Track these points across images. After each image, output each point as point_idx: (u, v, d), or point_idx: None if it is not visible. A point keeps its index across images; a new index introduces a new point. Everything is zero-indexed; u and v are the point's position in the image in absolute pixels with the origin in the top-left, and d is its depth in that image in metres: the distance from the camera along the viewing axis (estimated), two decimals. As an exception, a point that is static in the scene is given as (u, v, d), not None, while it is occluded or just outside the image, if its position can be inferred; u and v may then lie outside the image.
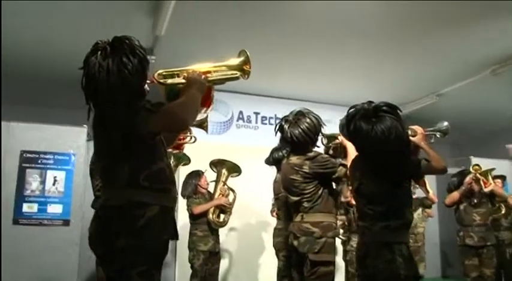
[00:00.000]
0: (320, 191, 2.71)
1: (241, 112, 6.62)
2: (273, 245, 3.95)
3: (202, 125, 2.94)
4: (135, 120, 1.67)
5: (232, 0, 3.91)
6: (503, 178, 4.97)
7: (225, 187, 4.54)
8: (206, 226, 4.36)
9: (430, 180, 6.12)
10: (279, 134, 2.87)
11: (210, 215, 4.32)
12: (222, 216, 4.45)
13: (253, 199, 5.71)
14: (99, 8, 4.05)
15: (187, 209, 4.42)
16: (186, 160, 4.05)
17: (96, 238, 1.71)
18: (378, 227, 2.12)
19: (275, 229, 3.98)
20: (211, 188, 4.59)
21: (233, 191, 4.58)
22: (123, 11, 4.15)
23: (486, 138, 7.67)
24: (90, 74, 1.72)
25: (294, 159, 2.77)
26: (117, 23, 4.28)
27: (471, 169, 4.31)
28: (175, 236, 1.87)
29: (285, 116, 2.83)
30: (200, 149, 5.22)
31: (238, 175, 4.65)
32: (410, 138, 2.40)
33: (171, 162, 3.90)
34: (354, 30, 4.48)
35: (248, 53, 2.13)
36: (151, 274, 1.69)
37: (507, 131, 6.98)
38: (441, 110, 6.36)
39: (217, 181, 4.57)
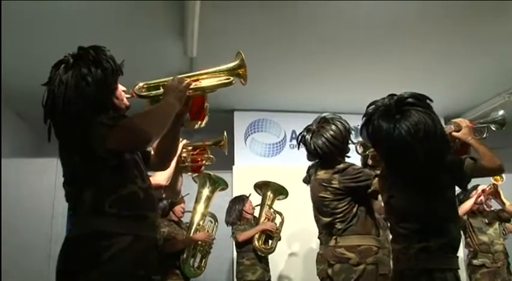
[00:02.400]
0: (355, 210, 2.32)
1: (293, 131, 6.28)
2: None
3: (219, 143, 2.71)
4: (93, 137, 1.45)
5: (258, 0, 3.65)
6: None
7: (271, 210, 4.24)
8: (253, 254, 4.08)
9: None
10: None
11: (256, 242, 4.03)
12: (270, 242, 4.15)
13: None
14: (129, 38, 4.03)
15: (232, 237, 4.17)
16: (223, 185, 3.82)
17: (59, 274, 1.48)
18: (414, 250, 1.69)
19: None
20: (257, 213, 4.32)
21: (280, 214, 4.27)
22: (152, 38, 4.12)
23: None
24: (50, 90, 1.55)
25: (322, 173, 2.42)
26: (149, 50, 4.25)
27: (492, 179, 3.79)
28: (158, 271, 1.60)
29: (308, 125, 2.50)
30: (253, 173, 5.04)
31: (285, 198, 4.33)
32: (454, 134, 1.97)
33: (207, 187, 3.73)
34: (401, 27, 4.03)
35: (243, 55, 1.86)
36: None
37: None
38: (517, 110, 5.60)
39: (262, 205, 4.29)
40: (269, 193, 4.29)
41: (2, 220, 4.46)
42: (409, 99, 1.73)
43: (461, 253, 4.42)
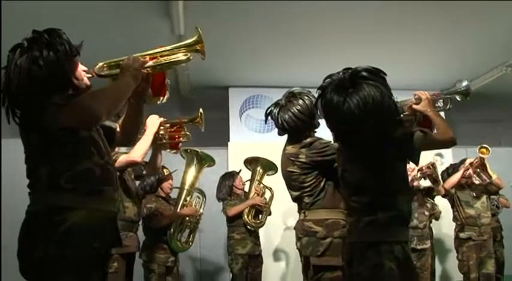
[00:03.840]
0: (322, 184, 2.33)
1: (288, 107, 6.28)
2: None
3: (194, 120, 2.74)
4: (44, 117, 1.52)
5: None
6: None
7: (261, 185, 4.30)
8: (243, 228, 4.18)
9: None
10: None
11: (245, 217, 4.11)
12: (259, 216, 4.22)
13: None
14: (118, 19, 4.03)
15: (223, 212, 4.24)
16: (210, 161, 3.86)
17: (20, 246, 1.57)
18: (363, 223, 1.72)
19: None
20: (247, 189, 4.38)
21: (270, 189, 4.32)
22: (140, 18, 4.11)
23: None
24: (6, 74, 1.62)
25: (290, 148, 2.43)
26: (137, 30, 4.25)
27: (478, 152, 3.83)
28: (115, 243, 1.68)
29: (277, 100, 2.52)
30: (248, 149, 5.07)
31: (274, 173, 4.36)
32: (414, 106, 1.97)
33: (194, 163, 3.79)
34: (394, 3, 3.92)
35: (200, 30, 1.87)
36: None
37: None
38: (515, 82, 5.50)
39: (252, 180, 4.35)
40: (259, 169, 4.34)
41: (1, 199, 4.60)
42: (363, 73, 1.72)
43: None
